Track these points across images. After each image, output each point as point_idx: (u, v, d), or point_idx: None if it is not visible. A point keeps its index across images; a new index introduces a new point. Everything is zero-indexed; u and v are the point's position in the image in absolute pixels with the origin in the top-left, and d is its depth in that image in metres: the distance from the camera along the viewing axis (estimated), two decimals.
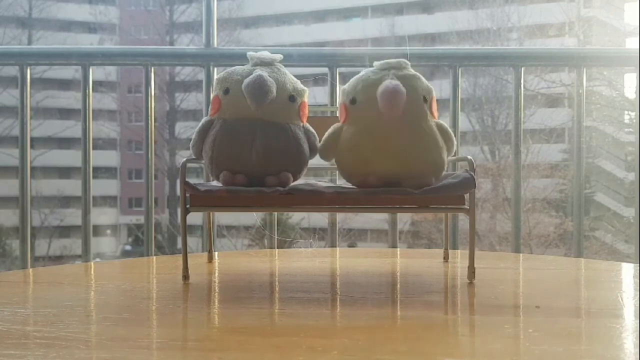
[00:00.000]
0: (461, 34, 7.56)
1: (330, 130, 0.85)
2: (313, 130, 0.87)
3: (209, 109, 0.86)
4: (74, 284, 0.84)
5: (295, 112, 0.85)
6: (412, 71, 0.84)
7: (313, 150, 0.86)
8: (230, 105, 0.83)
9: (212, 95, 0.87)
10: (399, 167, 0.80)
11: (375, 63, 0.85)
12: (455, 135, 0.86)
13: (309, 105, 0.88)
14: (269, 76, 0.82)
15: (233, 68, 0.86)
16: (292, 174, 0.83)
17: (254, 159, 0.81)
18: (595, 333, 0.60)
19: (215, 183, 0.87)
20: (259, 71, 0.83)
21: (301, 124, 0.86)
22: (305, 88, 0.87)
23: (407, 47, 0.86)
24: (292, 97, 0.85)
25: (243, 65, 0.87)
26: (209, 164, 0.84)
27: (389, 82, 0.79)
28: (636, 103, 1.41)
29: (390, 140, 0.80)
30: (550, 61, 1.52)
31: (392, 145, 0.80)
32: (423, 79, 0.84)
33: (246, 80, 0.81)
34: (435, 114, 0.84)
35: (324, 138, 0.85)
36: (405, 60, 0.84)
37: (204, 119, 0.86)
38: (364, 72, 0.84)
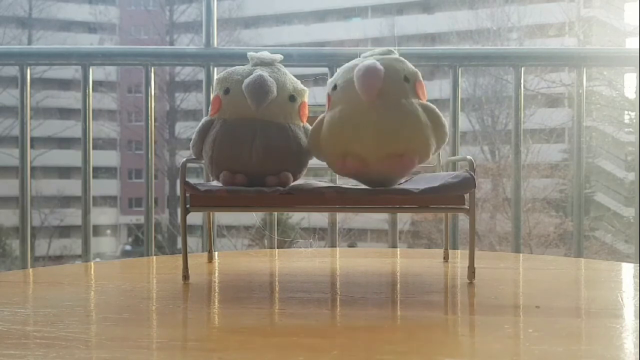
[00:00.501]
0: (461, 34, 7.55)
1: (314, 123, 0.84)
2: None
3: (209, 109, 0.86)
4: (74, 284, 0.84)
5: (296, 112, 0.85)
6: (396, 56, 0.82)
7: None
8: (231, 105, 0.84)
9: (212, 96, 0.87)
10: (376, 147, 0.76)
11: (363, 55, 0.85)
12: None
13: (309, 105, 0.88)
14: (270, 76, 0.83)
15: (233, 68, 0.86)
16: (292, 174, 0.83)
17: (254, 159, 0.81)
18: (595, 333, 0.60)
19: (215, 183, 0.87)
20: (260, 71, 0.83)
21: (301, 124, 0.86)
22: (305, 88, 0.87)
23: (395, 46, 0.84)
24: (293, 97, 0.85)
25: (243, 65, 0.88)
26: (209, 164, 0.84)
27: (366, 62, 0.78)
28: (636, 103, 1.41)
29: (367, 118, 0.76)
30: (550, 61, 1.52)
31: (369, 123, 0.76)
32: (408, 63, 0.81)
33: (246, 80, 0.82)
34: (423, 96, 0.80)
35: (309, 132, 0.84)
36: (391, 48, 0.82)
37: (204, 119, 0.86)
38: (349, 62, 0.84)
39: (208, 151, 0.83)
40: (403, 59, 0.82)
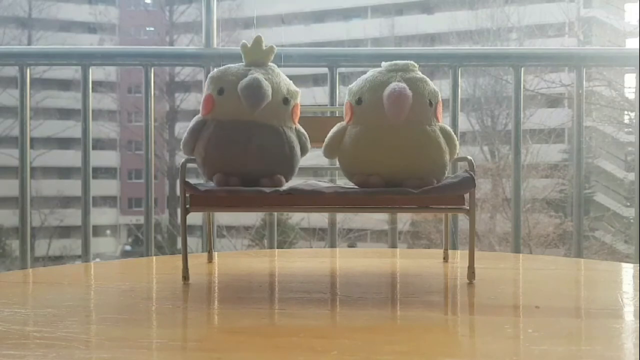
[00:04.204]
0: (461, 34, 7.54)
1: (334, 129, 0.86)
2: (304, 132, 0.88)
3: (201, 108, 0.86)
4: (74, 284, 0.84)
5: (289, 114, 0.85)
6: (419, 74, 0.84)
7: (304, 151, 0.87)
8: (225, 106, 0.83)
9: (204, 94, 0.86)
10: (401, 169, 0.80)
11: (384, 63, 0.85)
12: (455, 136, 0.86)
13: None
14: (265, 78, 0.82)
15: (226, 67, 0.86)
16: (284, 177, 0.84)
17: (248, 161, 0.81)
18: (595, 333, 0.60)
19: (212, 183, 0.87)
20: (255, 73, 0.82)
21: (294, 126, 0.86)
22: (298, 90, 0.87)
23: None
24: (286, 100, 0.85)
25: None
26: (201, 165, 0.84)
27: (396, 85, 0.80)
28: (636, 103, 1.41)
29: (394, 142, 0.81)
30: (550, 61, 1.52)
31: (396, 148, 0.81)
32: (430, 82, 0.85)
33: (242, 83, 0.81)
34: (440, 117, 0.85)
35: (328, 136, 0.86)
36: (413, 63, 0.85)
37: (197, 118, 0.85)
38: (371, 72, 0.85)
39: (201, 152, 0.83)
40: (425, 77, 0.85)
